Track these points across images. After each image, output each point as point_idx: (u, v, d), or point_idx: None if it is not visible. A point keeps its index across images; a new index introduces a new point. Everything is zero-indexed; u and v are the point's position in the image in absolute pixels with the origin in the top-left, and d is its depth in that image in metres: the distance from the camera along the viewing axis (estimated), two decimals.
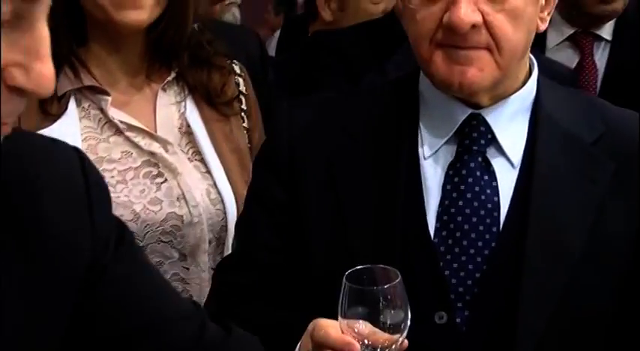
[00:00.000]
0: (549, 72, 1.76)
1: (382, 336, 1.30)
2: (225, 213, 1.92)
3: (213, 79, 1.96)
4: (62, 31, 1.81)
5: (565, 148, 1.56)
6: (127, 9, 1.79)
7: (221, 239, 1.92)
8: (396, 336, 1.31)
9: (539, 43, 1.61)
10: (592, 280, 1.52)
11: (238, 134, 1.98)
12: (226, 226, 1.91)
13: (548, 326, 1.49)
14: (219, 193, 1.92)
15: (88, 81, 1.85)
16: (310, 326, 1.36)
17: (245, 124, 2.01)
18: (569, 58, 2.95)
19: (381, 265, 1.33)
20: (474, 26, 1.45)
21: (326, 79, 2.60)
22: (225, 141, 1.95)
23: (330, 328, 1.33)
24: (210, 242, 1.91)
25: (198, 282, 1.91)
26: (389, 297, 1.30)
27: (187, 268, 1.90)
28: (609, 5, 2.90)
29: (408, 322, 1.32)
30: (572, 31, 2.99)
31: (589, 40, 2.99)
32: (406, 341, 1.32)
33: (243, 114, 2.00)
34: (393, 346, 1.31)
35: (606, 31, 2.99)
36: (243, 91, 2.02)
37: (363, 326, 1.30)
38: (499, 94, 1.55)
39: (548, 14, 1.56)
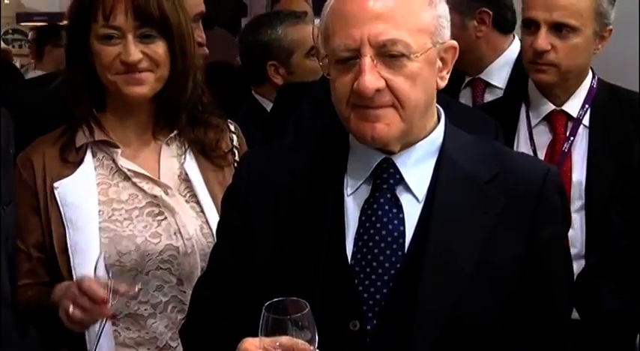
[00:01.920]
0: (474, 125, 2.06)
1: (300, 346, 1.63)
2: None
3: (209, 136, 2.38)
4: (83, 96, 2.29)
5: (463, 186, 1.87)
6: (133, 85, 2.25)
7: None
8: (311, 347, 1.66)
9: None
10: (481, 296, 1.81)
11: (230, 181, 2.36)
12: None
13: (441, 334, 1.79)
14: (210, 228, 2.30)
15: (99, 136, 2.30)
16: (240, 344, 1.71)
17: None
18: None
19: (294, 298, 1.67)
20: (378, 90, 1.79)
21: (300, 124, 2.88)
22: (219, 186, 2.34)
23: (249, 343, 1.68)
24: (202, 270, 2.28)
25: None
26: (300, 323, 1.65)
27: (184, 292, 2.29)
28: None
29: (316, 340, 1.66)
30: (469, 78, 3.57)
31: (482, 85, 3.54)
32: None
33: (235, 164, 2.38)
34: None
35: (499, 79, 3.50)
36: (236, 145, 2.43)
37: (282, 340, 1.63)
38: (408, 142, 1.87)
39: (447, 72, 1.88)
